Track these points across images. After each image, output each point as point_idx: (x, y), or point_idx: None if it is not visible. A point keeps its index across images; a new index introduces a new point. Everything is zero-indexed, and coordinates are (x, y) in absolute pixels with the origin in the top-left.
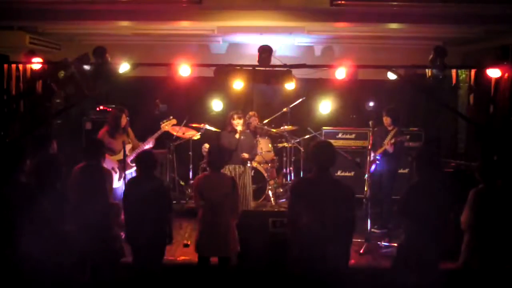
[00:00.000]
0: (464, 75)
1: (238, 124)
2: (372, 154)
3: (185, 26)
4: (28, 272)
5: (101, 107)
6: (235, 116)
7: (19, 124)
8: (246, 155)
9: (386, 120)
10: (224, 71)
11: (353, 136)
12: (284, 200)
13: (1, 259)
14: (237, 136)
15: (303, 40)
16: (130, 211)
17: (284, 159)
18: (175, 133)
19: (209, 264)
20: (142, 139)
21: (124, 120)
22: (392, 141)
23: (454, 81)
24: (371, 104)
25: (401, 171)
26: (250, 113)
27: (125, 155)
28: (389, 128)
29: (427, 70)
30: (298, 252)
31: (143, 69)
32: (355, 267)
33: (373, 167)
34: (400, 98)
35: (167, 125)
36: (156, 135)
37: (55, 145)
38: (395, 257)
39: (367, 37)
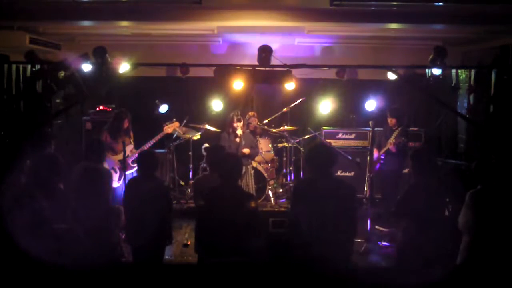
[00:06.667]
0: (464, 75)
1: (238, 126)
2: (376, 154)
3: (185, 26)
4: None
5: (101, 107)
6: (235, 119)
7: (19, 124)
8: (246, 151)
9: (391, 121)
10: (224, 71)
11: (353, 136)
12: (284, 200)
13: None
14: (237, 140)
15: (303, 40)
16: (130, 211)
17: (284, 159)
18: (177, 131)
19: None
20: (142, 138)
21: (126, 124)
22: (393, 141)
23: (454, 81)
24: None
25: (404, 171)
26: (250, 113)
27: (125, 155)
28: (394, 128)
29: (427, 70)
30: (300, 252)
31: (143, 69)
32: (355, 267)
33: (377, 166)
34: (400, 98)
35: (170, 128)
36: (158, 137)
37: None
38: (395, 257)
39: (367, 37)
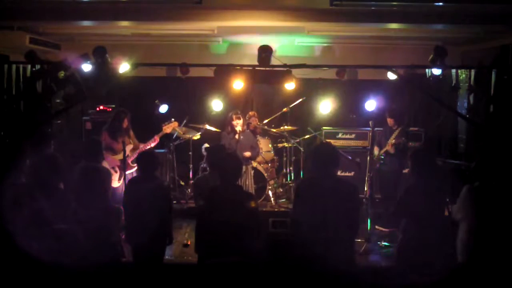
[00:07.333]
0: (464, 75)
1: (238, 124)
2: (376, 154)
3: (185, 26)
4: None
5: (101, 107)
6: (234, 117)
7: (19, 124)
8: (248, 154)
9: (390, 121)
10: (224, 71)
11: (353, 136)
12: (284, 200)
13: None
14: (236, 136)
15: (303, 40)
16: (130, 211)
17: (284, 159)
18: (176, 130)
19: None
20: (142, 138)
21: (125, 123)
22: (393, 142)
23: (454, 81)
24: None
25: (404, 171)
26: (250, 113)
27: (125, 155)
28: (393, 128)
29: (427, 70)
30: (301, 252)
31: (143, 69)
32: (355, 267)
33: (377, 166)
34: (400, 98)
35: (169, 128)
36: (157, 137)
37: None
38: (395, 257)
39: (367, 37)
